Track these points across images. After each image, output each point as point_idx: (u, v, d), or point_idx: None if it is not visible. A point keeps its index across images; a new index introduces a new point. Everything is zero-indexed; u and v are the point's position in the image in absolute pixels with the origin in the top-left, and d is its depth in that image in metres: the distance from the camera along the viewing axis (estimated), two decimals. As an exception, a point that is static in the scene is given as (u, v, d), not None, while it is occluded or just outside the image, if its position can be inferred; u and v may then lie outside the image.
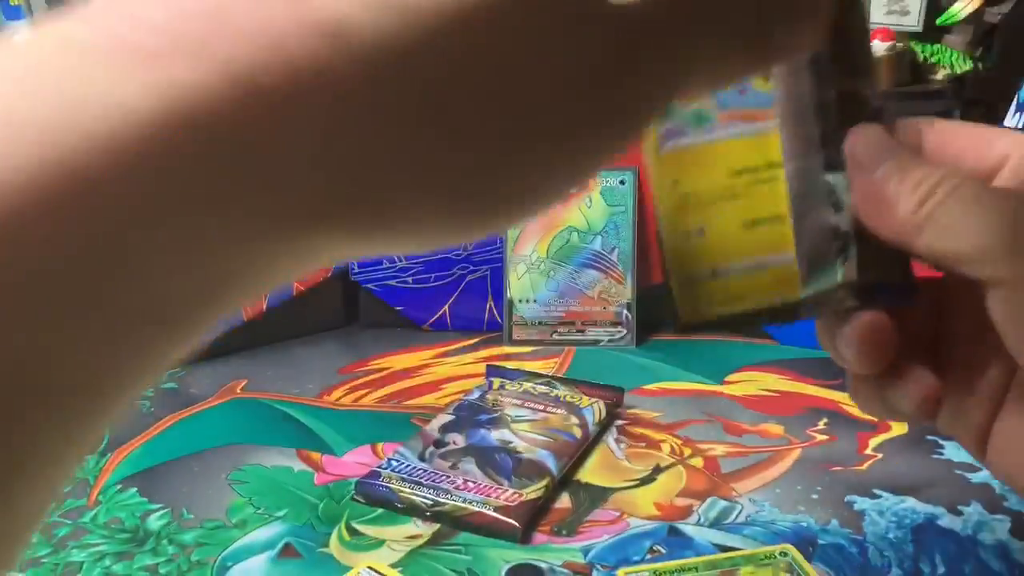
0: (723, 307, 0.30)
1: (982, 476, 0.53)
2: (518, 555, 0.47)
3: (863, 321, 0.28)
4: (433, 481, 0.51)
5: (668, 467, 0.55)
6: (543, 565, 0.46)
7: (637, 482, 0.53)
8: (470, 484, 0.51)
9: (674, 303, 0.30)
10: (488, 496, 0.50)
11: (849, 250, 0.28)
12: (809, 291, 0.29)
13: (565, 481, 0.53)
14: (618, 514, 0.50)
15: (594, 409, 0.59)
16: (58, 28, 0.15)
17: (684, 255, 0.30)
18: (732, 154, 0.29)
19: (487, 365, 0.66)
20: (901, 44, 0.82)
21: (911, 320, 0.29)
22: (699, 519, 0.49)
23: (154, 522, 0.50)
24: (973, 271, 0.26)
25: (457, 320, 0.76)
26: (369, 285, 0.76)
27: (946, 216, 0.26)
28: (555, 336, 0.73)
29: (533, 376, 0.64)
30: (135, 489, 0.53)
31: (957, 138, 0.29)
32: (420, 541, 0.48)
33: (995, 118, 0.71)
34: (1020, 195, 0.27)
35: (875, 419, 0.57)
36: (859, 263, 0.28)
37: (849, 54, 0.28)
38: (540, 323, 0.73)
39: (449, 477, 0.52)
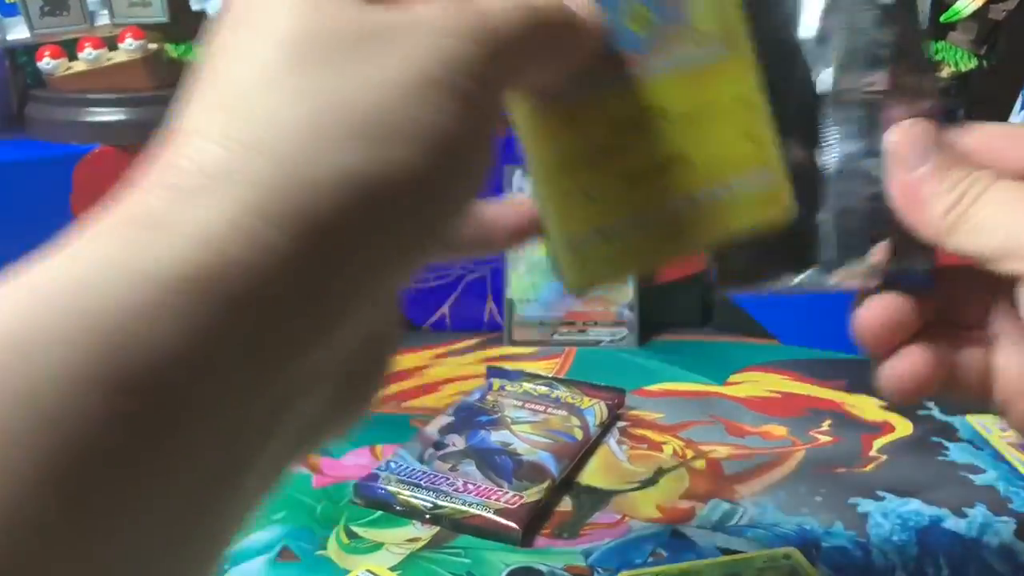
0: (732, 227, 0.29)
1: (987, 478, 0.53)
2: (518, 558, 0.46)
3: (880, 305, 0.29)
4: (432, 483, 0.51)
5: (670, 469, 0.54)
6: (544, 568, 0.45)
7: (639, 484, 0.53)
8: (470, 486, 0.50)
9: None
10: (488, 499, 0.49)
11: (882, 236, 0.29)
12: (839, 270, 0.30)
13: (566, 483, 0.53)
14: (619, 517, 0.50)
15: (595, 410, 0.59)
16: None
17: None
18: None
19: (487, 366, 0.66)
20: (904, 42, 0.81)
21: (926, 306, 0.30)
22: (702, 522, 0.49)
23: (151, 525, 0.50)
24: (1003, 267, 0.27)
25: (457, 320, 0.76)
26: (369, 285, 0.75)
27: (977, 216, 0.27)
28: (556, 336, 0.72)
29: (533, 377, 0.64)
30: (132, 491, 0.53)
31: (994, 139, 0.29)
32: (419, 544, 0.48)
33: (1000, 115, 0.71)
34: None
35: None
36: (891, 250, 0.29)
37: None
38: (541, 323, 0.72)
39: (449, 479, 0.51)
